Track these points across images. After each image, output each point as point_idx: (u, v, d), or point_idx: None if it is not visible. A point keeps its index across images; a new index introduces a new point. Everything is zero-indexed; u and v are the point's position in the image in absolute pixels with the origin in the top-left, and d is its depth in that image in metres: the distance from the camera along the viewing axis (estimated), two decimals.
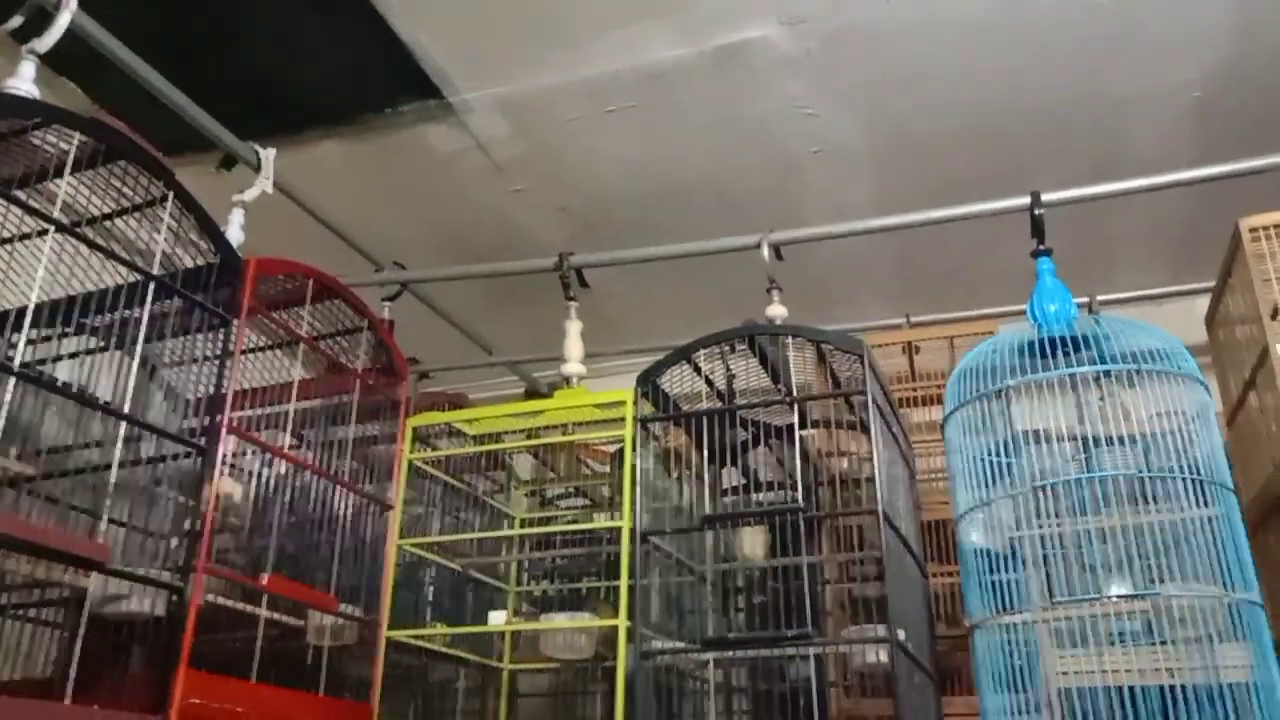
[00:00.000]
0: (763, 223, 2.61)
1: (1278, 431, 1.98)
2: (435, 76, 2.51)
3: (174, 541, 1.74)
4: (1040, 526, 1.79)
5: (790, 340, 2.04)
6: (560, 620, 2.20)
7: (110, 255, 1.68)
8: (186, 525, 1.73)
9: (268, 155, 2.38)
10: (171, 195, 1.78)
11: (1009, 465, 1.89)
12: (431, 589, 2.35)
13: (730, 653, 1.95)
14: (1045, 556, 1.78)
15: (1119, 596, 1.75)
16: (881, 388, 2.02)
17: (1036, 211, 2.20)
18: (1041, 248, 2.14)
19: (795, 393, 2.03)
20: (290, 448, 2.07)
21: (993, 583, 1.84)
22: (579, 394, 2.36)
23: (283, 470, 2.01)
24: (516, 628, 2.38)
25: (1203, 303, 2.53)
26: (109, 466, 1.66)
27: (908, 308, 3.29)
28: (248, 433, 1.90)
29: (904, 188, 2.87)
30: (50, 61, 1.89)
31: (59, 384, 1.79)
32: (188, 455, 1.77)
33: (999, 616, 1.80)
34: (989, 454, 1.91)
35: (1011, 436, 1.87)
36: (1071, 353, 1.91)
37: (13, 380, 1.52)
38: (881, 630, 1.78)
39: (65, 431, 1.81)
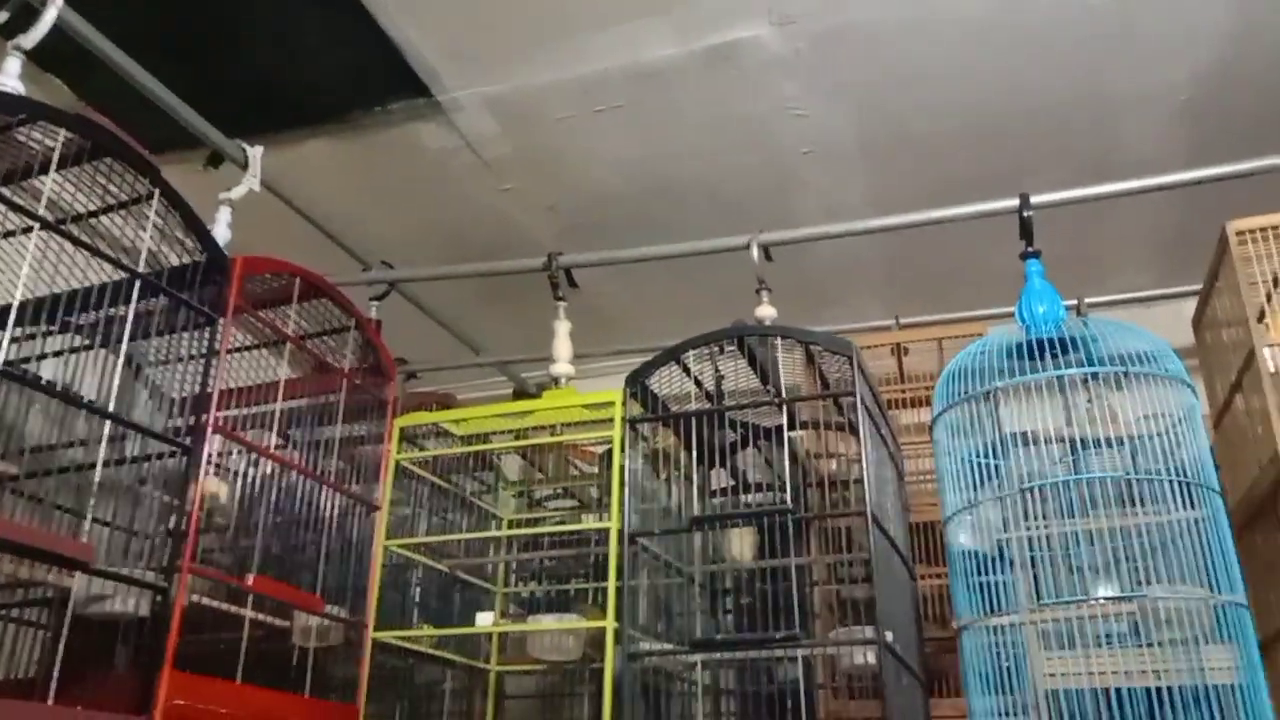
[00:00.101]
0: (754, 223, 2.61)
1: (1264, 434, 1.99)
2: (424, 75, 2.50)
3: (158, 541, 1.73)
4: (1028, 528, 1.80)
5: (779, 341, 2.04)
6: (548, 622, 2.19)
7: (96, 253, 1.67)
8: (171, 525, 1.71)
9: (255, 153, 2.37)
10: (157, 193, 1.77)
11: (997, 467, 1.90)
12: (418, 590, 2.34)
13: (718, 654, 1.95)
14: (1033, 558, 1.78)
15: (1106, 598, 1.76)
16: (870, 389, 2.01)
17: (1025, 214, 2.20)
18: (1030, 250, 2.14)
19: (784, 394, 2.02)
20: (276, 447, 2.06)
21: (980, 584, 1.84)
22: (567, 394, 2.36)
23: (268, 470, 2.00)
24: (504, 629, 2.38)
25: (1190, 305, 2.54)
26: (93, 466, 1.65)
27: (897, 309, 3.30)
28: (233, 432, 1.89)
29: (895, 188, 2.87)
30: (36, 58, 1.87)
31: (43, 382, 1.78)
32: (173, 455, 1.76)
33: (987, 618, 1.81)
34: (977, 456, 1.92)
35: (1000, 438, 1.87)
36: (1060, 355, 1.92)
37: None
38: (869, 632, 1.78)
39: (49, 430, 1.80)
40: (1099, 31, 2.34)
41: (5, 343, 1.53)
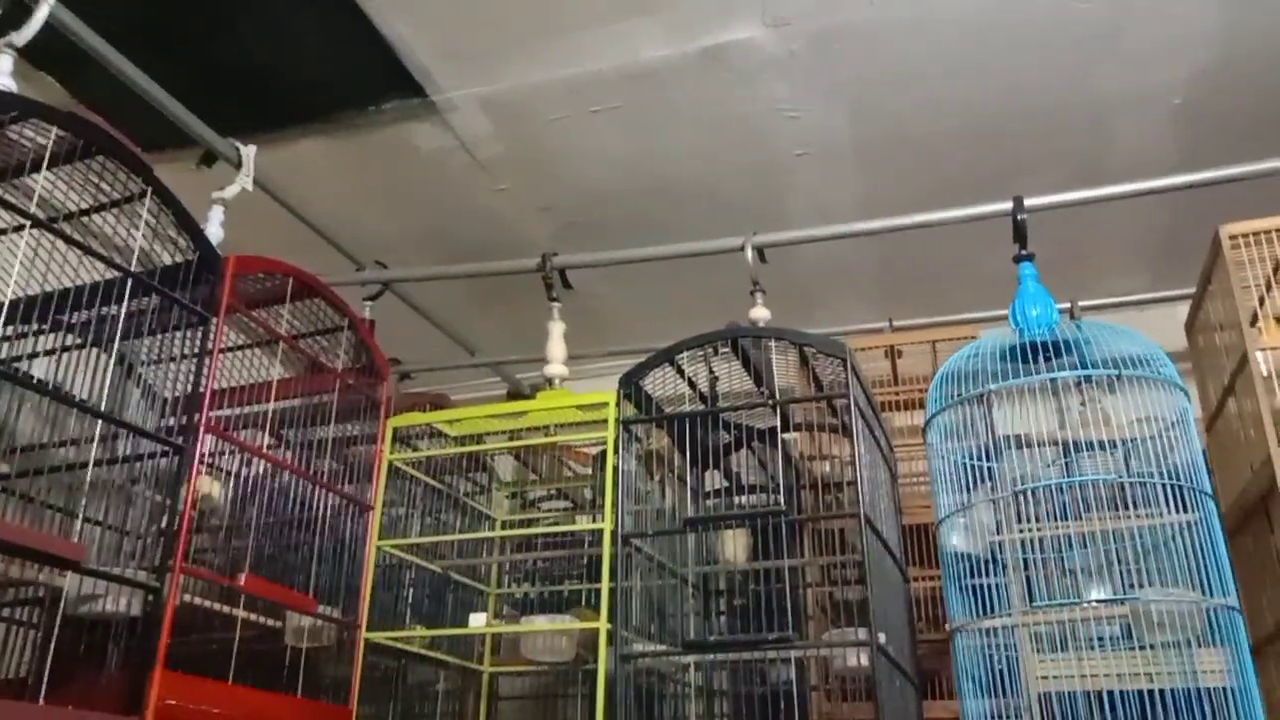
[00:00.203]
0: (748, 224, 2.61)
1: (1256, 437, 1.99)
2: (418, 74, 2.49)
3: (150, 541, 1.72)
4: (1021, 531, 1.80)
5: (773, 343, 2.04)
6: (541, 623, 2.19)
7: (88, 251, 1.66)
8: (163, 525, 1.71)
9: (248, 152, 2.36)
10: (150, 191, 1.76)
11: (990, 469, 1.90)
12: (411, 590, 2.33)
13: (711, 655, 1.95)
14: (1026, 561, 1.79)
15: (1098, 601, 1.76)
16: (864, 391, 2.02)
17: (1019, 217, 2.21)
18: (1024, 253, 2.15)
19: (778, 396, 2.03)
20: (269, 447, 2.05)
21: (973, 587, 1.84)
22: (561, 395, 2.36)
23: (261, 470, 2.00)
24: (497, 630, 2.37)
25: (1183, 309, 2.55)
26: (85, 465, 1.64)
27: (890, 311, 3.30)
28: (226, 432, 1.88)
29: (889, 190, 2.88)
30: (28, 55, 1.87)
31: (35, 381, 1.77)
32: (165, 454, 1.75)
33: (980, 620, 1.81)
34: (970, 458, 1.92)
35: (993, 441, 1.88)
36: (1053, 357, 1.92)
37: None
38: (862, 633, 1.78)
39: (41, 429, 1.79)
40: (1093, 34, 2.35)
41: None
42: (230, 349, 2.06)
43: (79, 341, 1.85)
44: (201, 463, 1.78)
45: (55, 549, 1.52)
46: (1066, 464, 1.94)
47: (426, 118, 2.65)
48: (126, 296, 1.71)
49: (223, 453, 1.96)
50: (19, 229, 1.59)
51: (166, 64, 2.31)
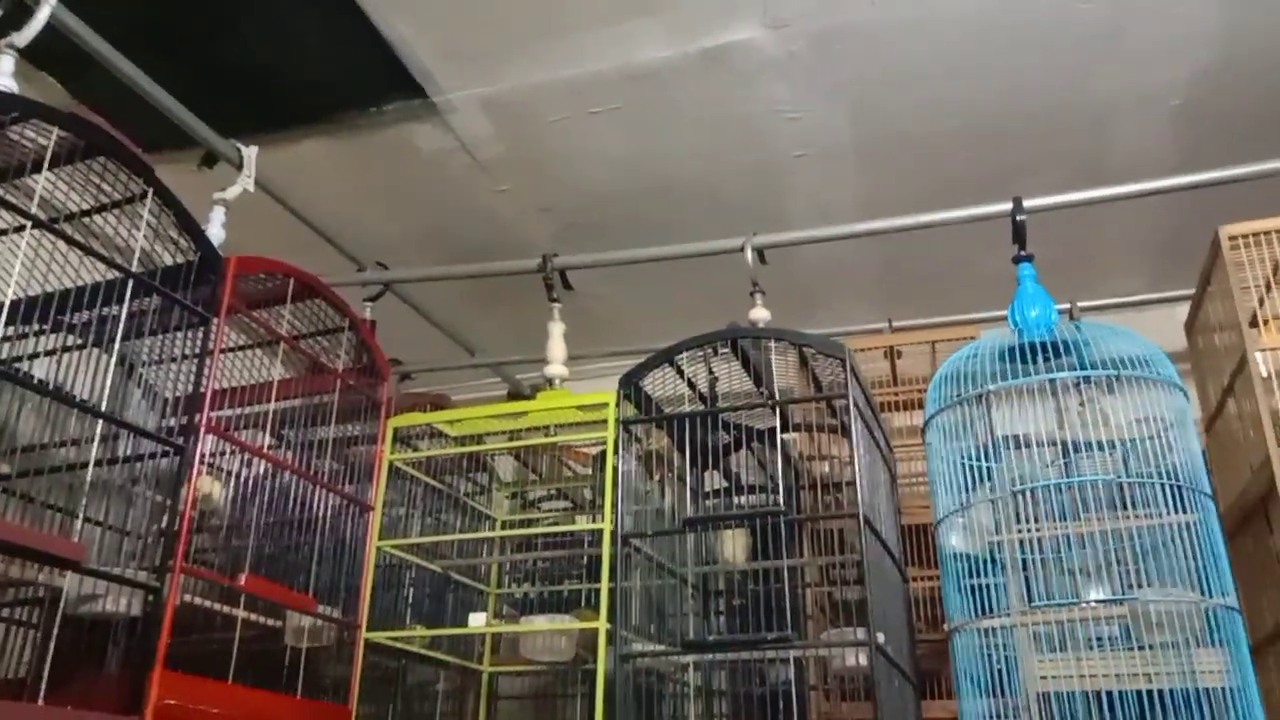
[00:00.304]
0: (748, 225, 2.62)
1: (1255, 438, 1.99)
2: (419, 75, 2.50)
3: (151, 541, 1.73)
4: (1020, 531, 1.80)
5: (773, 344, 2.04)
6: (540, 622, 2.19)
7: (89, 252, 1.67)
8: (164, 525, 1.71)
9: (250, 153, 2.37)
10: (151, 192, 1.76)
11: (989, 470, 1.90)
12: (411, 590, 2.34)
13: (710, 655, 1.95)
14: (1024, 561, 1.79)
15: (1098, 601, 1.76)
16: (863, 392, 2.02)
17: (1018, 217, 2.21)
18: (1023, 253, 2.15)
19: (777, 396, 2.03)
20: (270, 448, 2.05)
21: (972, 587, 1.84)
22: (561, 396, 2.36)
23: (262, 470, 2.00)
24: (496, 630, 2.38)
25: (1183, 309, 2.55)
26: (86, 465, 1.64)
27: (890, 312, 3.30)
28: (227, 432, 1.89)
29: (890, 190, 2.88)
30: (30, 56, 1.87)
31: (35, 381, 1.77)
32: (165, 454, 1.75)
33: (978, 620, 1.81)
34: (969, 458, 1.92)
35: (992, 441, 1.88)
36: (1052, 358, 1.92)
37: None
38: (861, 634, 1.78)
39: (42, 429, 1.79)
40: (1094, 34, 2.35)
41: None
42: (231, 349, 2.06)
43: (80, 342, 1.85)
44: (202, 463, 1.78)
45: (55, 549, 1.53)
46: (1065, 464, 1.94)
47: (427, 118, 2.65)
48: (127, 297, 1.71)
49: (223, 453, 1.96)
50: (20, 229, 1.59)
51: (168, 65, 2.32)
